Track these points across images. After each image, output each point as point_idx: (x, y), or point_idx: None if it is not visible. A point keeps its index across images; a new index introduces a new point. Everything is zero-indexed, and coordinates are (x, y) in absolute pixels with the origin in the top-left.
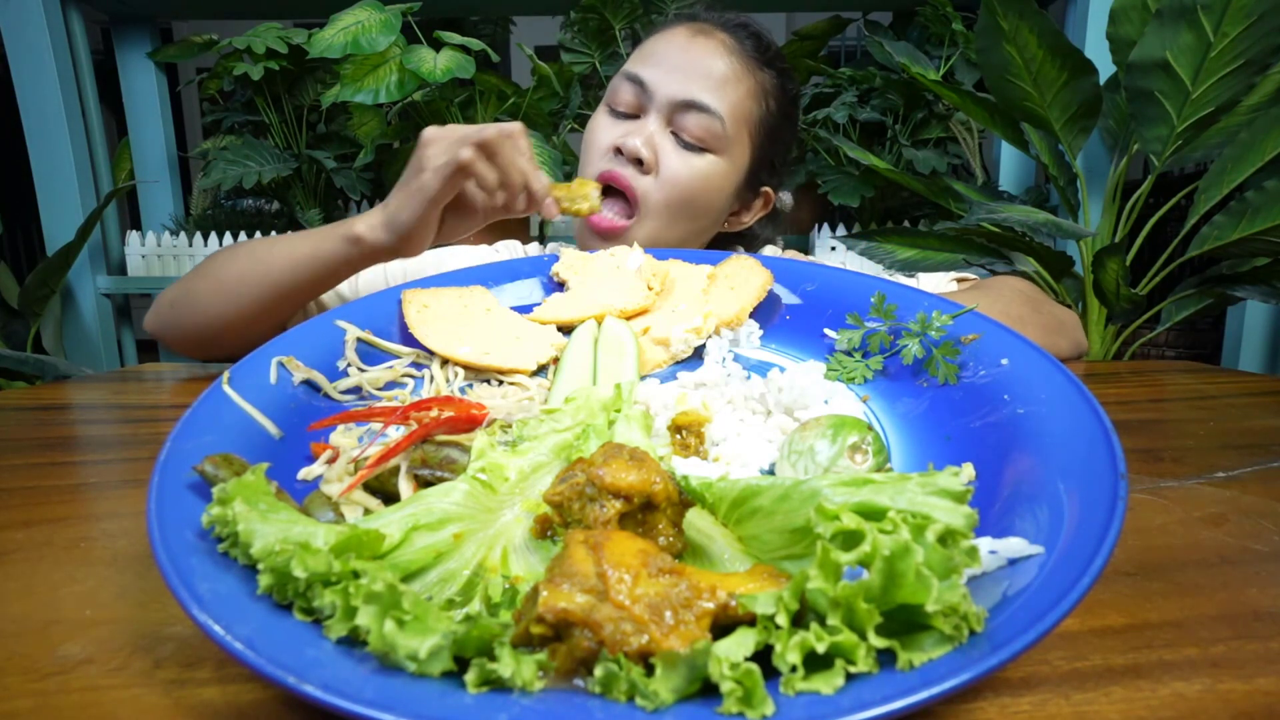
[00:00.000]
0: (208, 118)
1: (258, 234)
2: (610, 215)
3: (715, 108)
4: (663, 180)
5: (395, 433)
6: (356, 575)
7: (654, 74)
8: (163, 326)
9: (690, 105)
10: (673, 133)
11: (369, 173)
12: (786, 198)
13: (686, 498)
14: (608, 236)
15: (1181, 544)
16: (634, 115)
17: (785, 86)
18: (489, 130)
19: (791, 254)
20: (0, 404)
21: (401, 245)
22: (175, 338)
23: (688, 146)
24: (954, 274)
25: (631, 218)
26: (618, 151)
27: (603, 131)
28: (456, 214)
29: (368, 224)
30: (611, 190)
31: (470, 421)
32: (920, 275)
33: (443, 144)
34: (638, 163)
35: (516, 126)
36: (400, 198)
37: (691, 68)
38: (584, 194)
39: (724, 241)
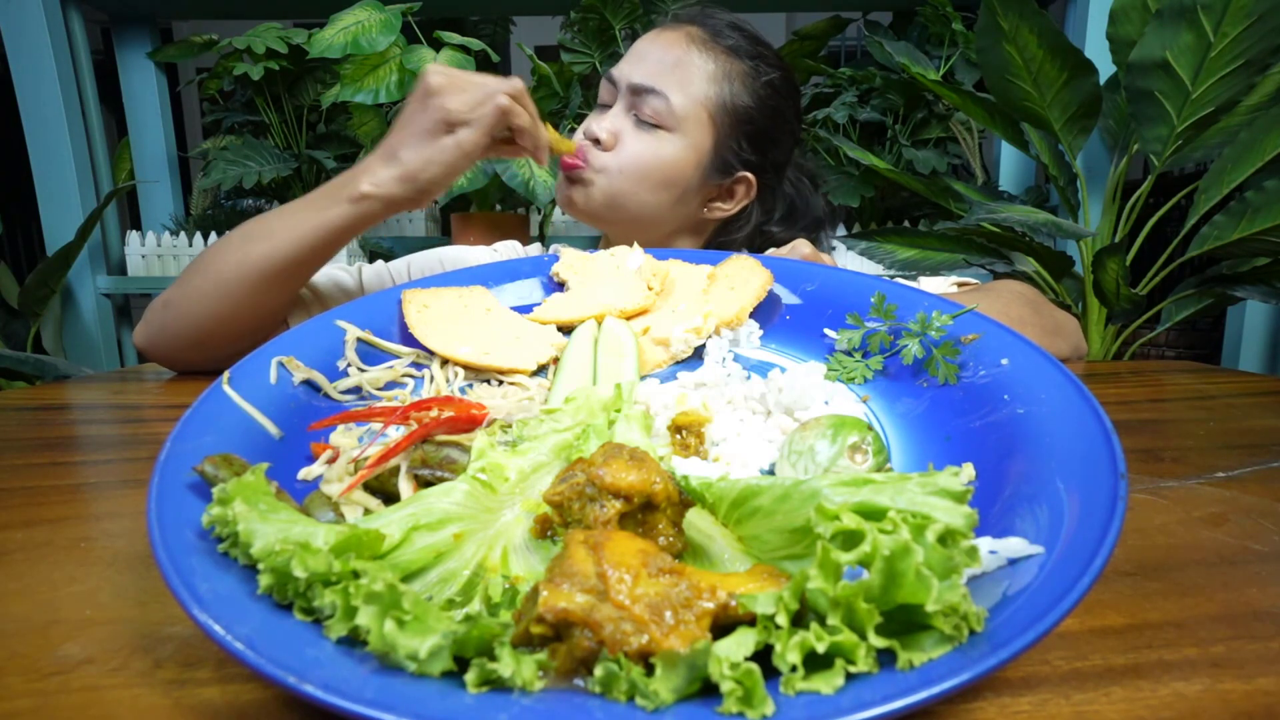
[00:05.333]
0: (208, 118)
1: None
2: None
3: (660, 88)
4: (618, 153)
5: (395, 433)
6: (356, 575)
7: (621, 68)
8: (155, 333)
9: (639, 89)
10: (634, 115)
11: None
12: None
13: (686, 498)
14: (570, 171)
15: (1181, 544)
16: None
17: (759, 73)
18: (515, 83)
19: (810, 254)
20: (0, 404)
21: (420, 198)
22: (169, 343)
23: (643, 125)
24: (954, 278)
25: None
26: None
27: (586, 121)
28: None
29: (373, 181)
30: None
31: (470, 421)
32: (921, 279)
33: (467, 96)
34: (596, 142)
35: (520, 81)
36: (423, 152)
37: (649, 57)
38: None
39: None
